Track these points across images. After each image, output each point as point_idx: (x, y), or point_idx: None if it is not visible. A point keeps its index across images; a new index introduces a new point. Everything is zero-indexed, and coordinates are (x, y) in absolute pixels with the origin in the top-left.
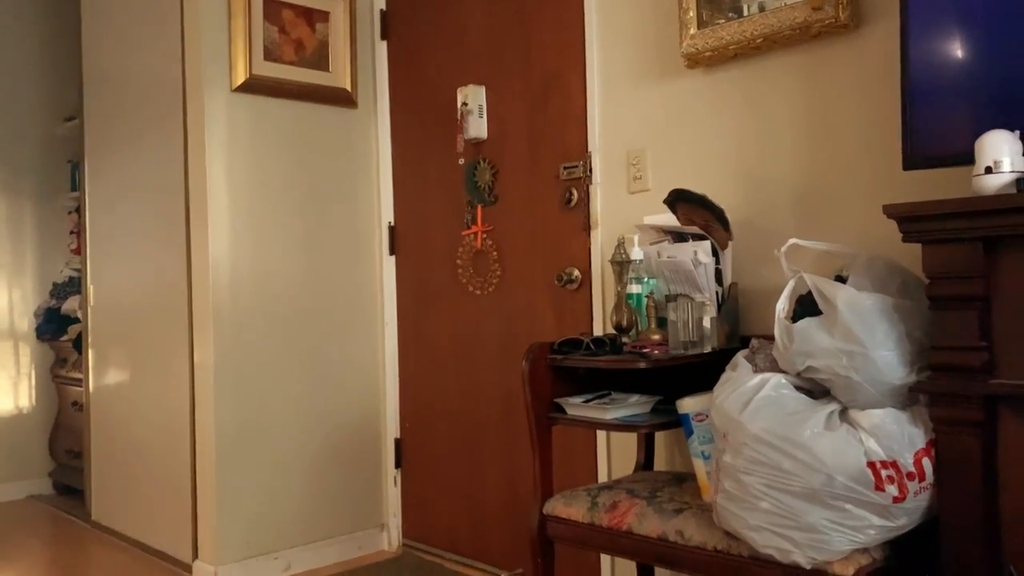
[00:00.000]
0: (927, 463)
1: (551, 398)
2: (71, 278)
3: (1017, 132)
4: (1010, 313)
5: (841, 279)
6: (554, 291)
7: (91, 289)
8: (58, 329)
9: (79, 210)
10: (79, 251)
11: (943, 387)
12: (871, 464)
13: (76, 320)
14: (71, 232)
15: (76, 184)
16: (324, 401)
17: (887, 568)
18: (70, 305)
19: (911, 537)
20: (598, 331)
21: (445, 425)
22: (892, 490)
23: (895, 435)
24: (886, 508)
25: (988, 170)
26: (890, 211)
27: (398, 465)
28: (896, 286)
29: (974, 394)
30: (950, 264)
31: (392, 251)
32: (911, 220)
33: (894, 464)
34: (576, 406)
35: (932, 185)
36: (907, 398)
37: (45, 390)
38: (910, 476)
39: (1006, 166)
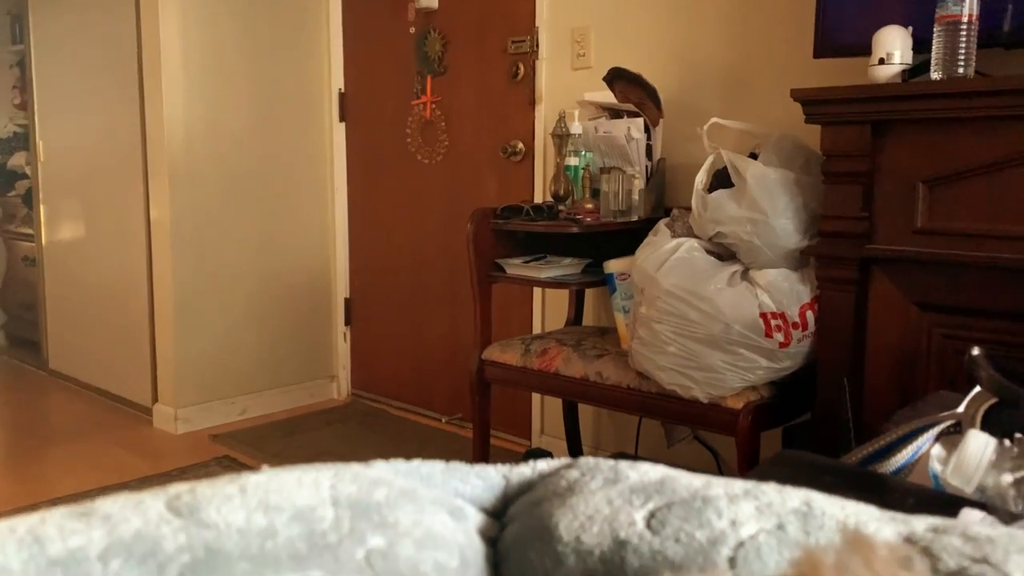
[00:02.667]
0: (810, 315)
1: (492, 259)
2: (15, 133)
3: (910, 28)
4: (889, 189)
5: (754, 156)
6: (499, 162)
7: (40, 145)
8: (4, 184)
9: (22, 64)
10: (24, 106)
11: (828, 250)
12: (763, 315)
13: (23, 176)
14: (13, 87)
15: (17, 37)
16: (277, 260)
17: (771, 403)
18: (16, 161)
19: (793, 379)
20: (538, 200)
21: (393, 285)
22: (779, 337)
23: (785, 291)
24: (773, 352)
25: (881, 61)
26: (795, 95)
27: (348, 322)
28: (800, 163)
29: (853, 256)
30: (842, 144)
31: (342, 117)
32: (812, 103)
33: (782, 316)
34: (515, 266)
35: (841, 73)
36: (799, 260)
37: None
38: (795, 326)
39: (897, 58)
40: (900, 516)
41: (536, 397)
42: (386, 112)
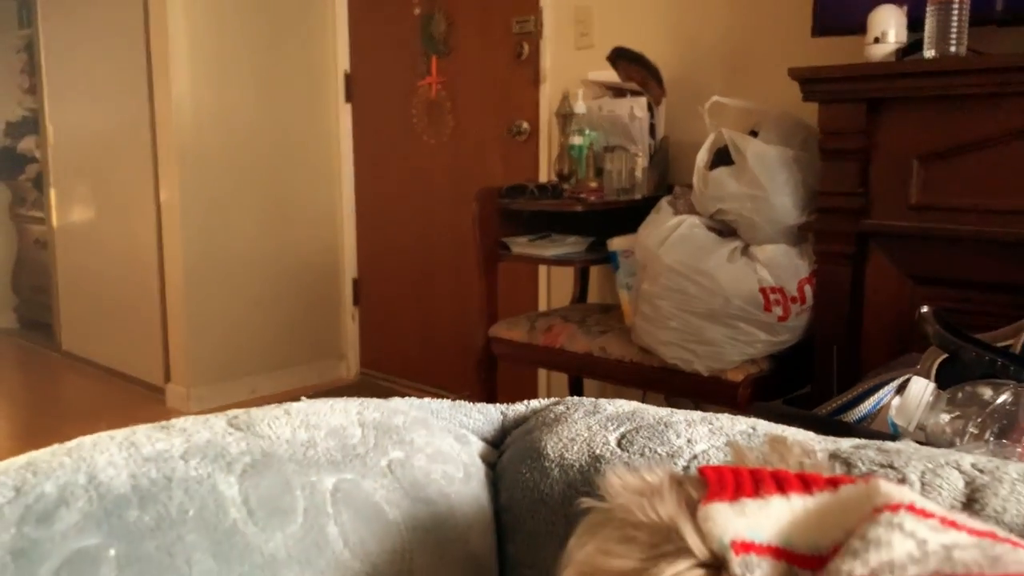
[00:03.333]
0: (808, 289)
1: (498, 237)
2: (24, 118)
3: (905, 7)
4: (885, 165)
5: (754, 134)
6: (504, 141)
7: (50, 129)
8: (14, 168)
9: (29, 48)
10: (33, 90)
11: (825, 226)
12: (762, 289)
13: (33, 159)
14: (21, 71)
15: (24, 21)
16: (285, 241)
17: (771, 376)
18: (26, 145)
19: (792, 351)
20: (543, 179)
21: (400, 265)
22: (777, 311)
23: (784, 266)
24: (772, 326)
25: (876, 40)
26: (793, 73)
27: (356, 302)
28: (799, 140)
29: (850, 231)
30: (838, 121)
31: (348, 99)
32: (810, 82)
33: (781, 290)
34: (520, 244)
35: (839, 51)
36: (797, 236)
37: (4, 229)
38: (793, 300)
39: (891, 37)
40: (832, 439)
41: (542, 374)
42: (392, 93)
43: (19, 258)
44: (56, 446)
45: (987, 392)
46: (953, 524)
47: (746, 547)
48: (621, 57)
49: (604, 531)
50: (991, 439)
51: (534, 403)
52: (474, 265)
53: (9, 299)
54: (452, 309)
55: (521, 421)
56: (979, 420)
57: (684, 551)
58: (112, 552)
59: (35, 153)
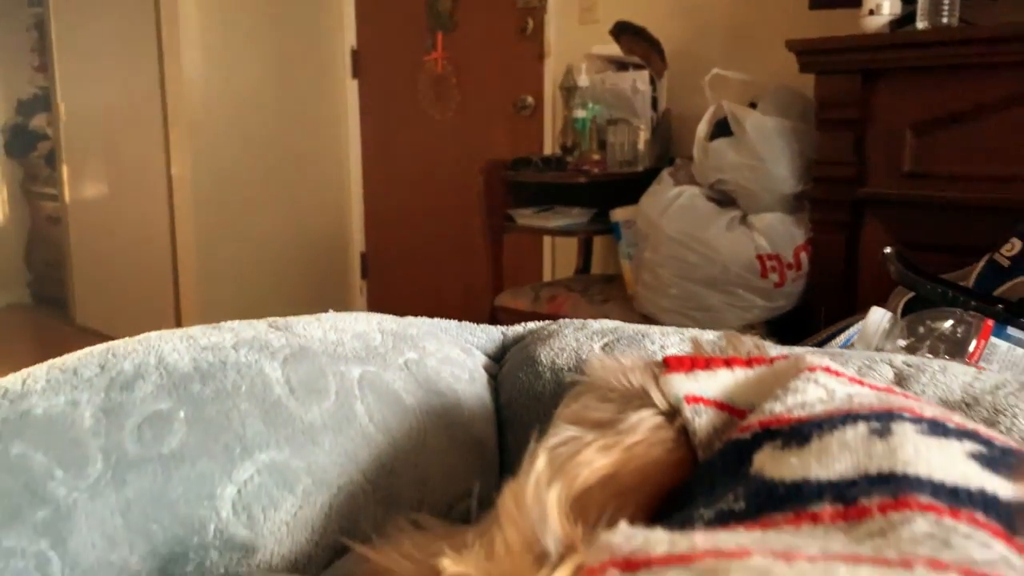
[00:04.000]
0: (804, 256)
1: (503, 210)
2: (35, 96)
3: None
4: (879, 135)
5: (754, 105)
6: (509, 115)
7: (61, 106)
8: (27, 146)
9: (39, 27)
10: (43, 68)
11: (821, 194)
12: (759, 256)
13: (44, 137)
14: (32, 49)
15: (34, 0)
16: (294, 216)
17: (767, 340)
18: (38, 122)
19: (788, 317)
20: (547, 152)
21: (407, 239)
22: (774, 277)
23: (781, 234)
24: (769, 292)
25: (871, 12)
26: (790, 45)
27: (364, 276)
28: (797, 112)
29: (845, 199)
30: (834, 92)
31: (355, 74)
32: (806, 53)
33: (777, 257)
34: (525, 216)
35: (838, 24)
36: (794, 205)
37: (17, 205)
38: (789, 266)
39: (885, 9)
40: (799, 349)
41: None
42: (398, 68)
43: (32, 234)
44: (127, 339)
45: (939, 320)
46: (860, 382)
47: (695, 399)
48: (624, 31)
49: (585, 396)
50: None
51: (530, 325)
52: (480, 237)
53: (23, 274)
54: (458, 281)
55: (519, 339)
56: (930, 344)
57: (649, 404)
58: (181, 414)
59: (47, 130)
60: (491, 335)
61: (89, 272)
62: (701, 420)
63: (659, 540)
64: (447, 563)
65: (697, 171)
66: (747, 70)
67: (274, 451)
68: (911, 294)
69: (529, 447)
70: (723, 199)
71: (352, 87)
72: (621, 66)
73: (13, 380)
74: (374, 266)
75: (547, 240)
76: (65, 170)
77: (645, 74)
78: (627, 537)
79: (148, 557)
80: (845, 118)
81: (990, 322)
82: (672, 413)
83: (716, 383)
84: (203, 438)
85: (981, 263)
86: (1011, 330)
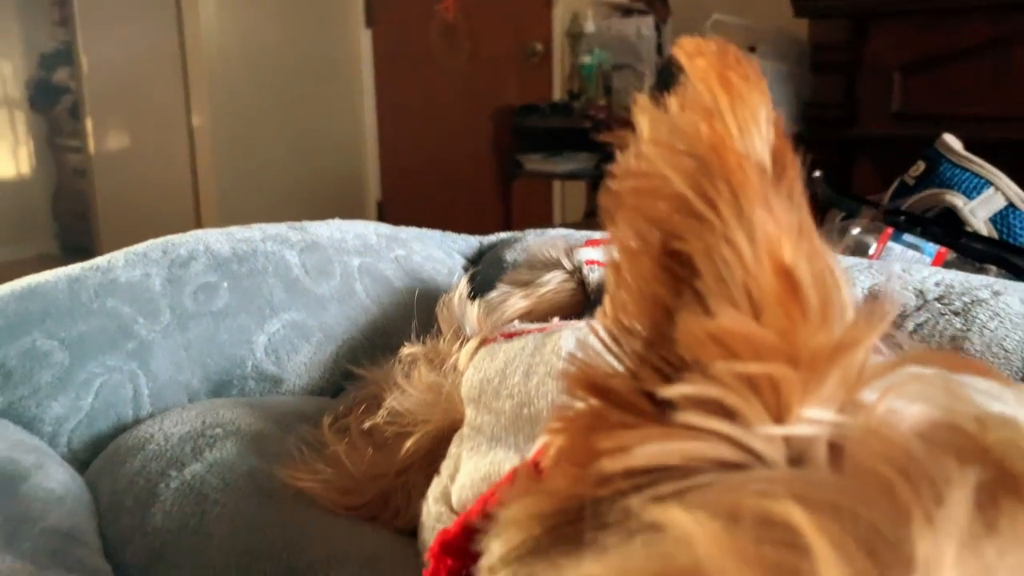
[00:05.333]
0: None
1: (513, 155)
2: (57, 50)
3: None
4: (869, 77)
5: (752, 50)
6: (519, 62)
7: (84, 60)
8: (50, 99)
9: None
10: (64, 22)
11: (813, 135)
12: None
13: (67, 90)
14: (52, 3)
15: None
16: (312, 165)
17: None
18: (60, 76)
19: None
20: (556, 99)
21: (422, 187)
22: None
23: None
24: None
25: None
26: None
27: None
28: (794, 56)
29: (836, 139)
30: (826, 35)
31: (368, 24)
32: None
33: None
34: (534, 161)
35: None
36: None
37: (43, 158)
38: None
39: None
40: None
41: None
42: (411, 17)
43: (58, 186)
44: (181, 234)
45: (850, 228)
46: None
47: (592, 263)
48: None
49: (520, 268)
50: None
51: (503, 234)
52: (490, 183)
53: (51, 226)
54: (471, 227)
55: (493, 245)
56: (844, 247)
57: (560, 268)
58: (225, 285)
59: (69, 84)
60: (469, 242)
61: (114, 222)
62: (594, 275)
63: (529, 326)
64: (405, 348)
65: None
66: (747, 16)
67: (294, 313)
68: (843, 214)
69: (460, 285)
70: None
71: (366, 36)
72: (626, 12)
73: (100, 260)
74: (390, 214)
75: (556, 185)
76: (89, 123)
77: (649, 20)
78: (514, 326)
79: (204, 381)
80: (837, 61)
81: (889, 230)
82: (575, 272)
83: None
84: (241, 301)
85: (895, 183)
86: (907, 236)
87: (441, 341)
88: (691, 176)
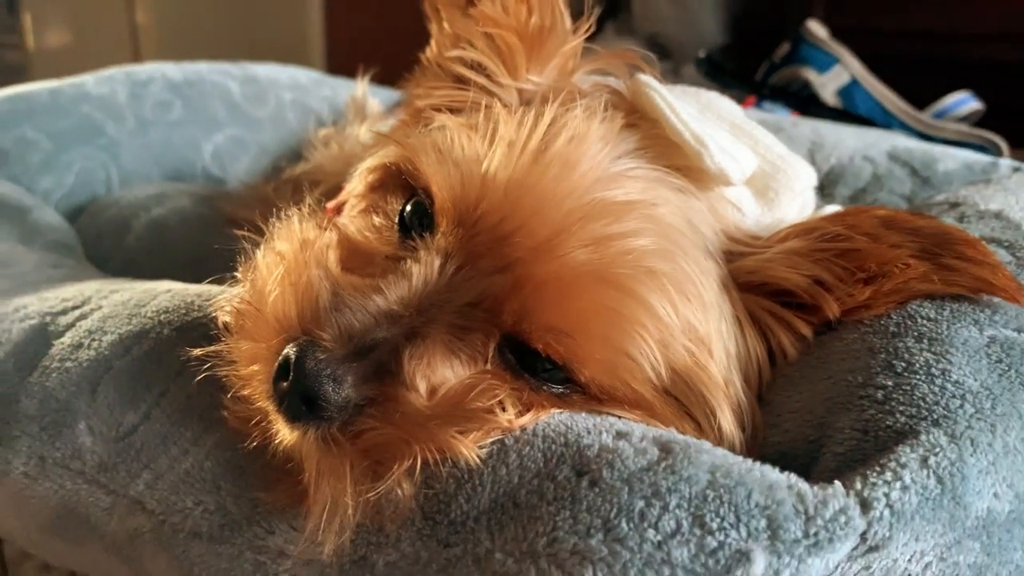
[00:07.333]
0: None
1: None
2: None
3: None
4: None
5: None
6: None
7: None
8: None
9: None
10: None
11: (745, 48)
12: None
13: None
14: None
15: None
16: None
17: None
18: None
19: None
20: None
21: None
22: None
23: (708, 86)
24: None
25: None
26: None
27: None
28: None
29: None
30: None
31: None
32: None
33: None
34: None
35: None
36: None
37: None
38: None
39: None
40: None
41: None
42: None
43: None
44: (142, 64)
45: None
46: None
47: None
48: None
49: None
50: None
51: None
52: None
53: None
54: None
55: None
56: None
57: None
58: (178, 102)
59: None
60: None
61: None
62: None
63: None
64: (322, 131)
65: (636, 23)
66: None
67: (235, 129)
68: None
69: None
70: (661, 54)
71: None
72: None
73: (73, 79)
74: None
75: None
76: (27, 18)
77: None
78: None
79: (162, 176)
80: None
81: (752, 98)
82: None
83: None
84: (191, 116)
85: (765, 62)
86: (766, 103)
87: (347, 124)
88: None
